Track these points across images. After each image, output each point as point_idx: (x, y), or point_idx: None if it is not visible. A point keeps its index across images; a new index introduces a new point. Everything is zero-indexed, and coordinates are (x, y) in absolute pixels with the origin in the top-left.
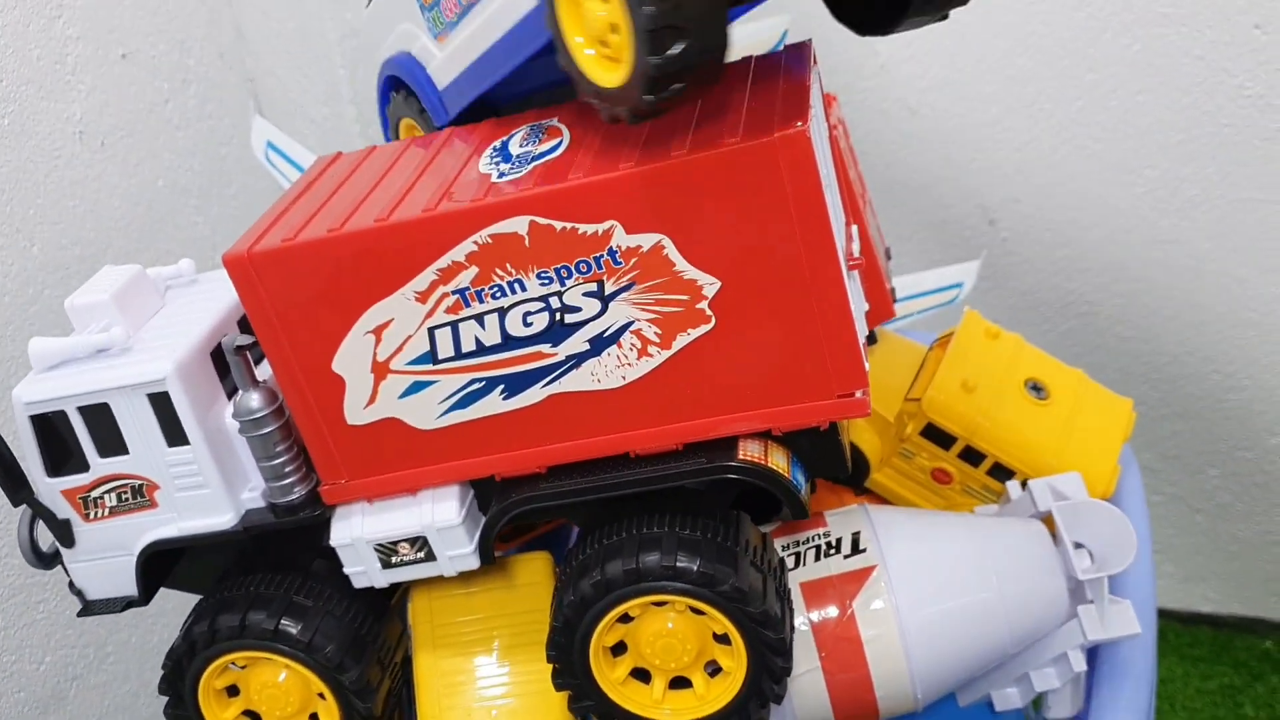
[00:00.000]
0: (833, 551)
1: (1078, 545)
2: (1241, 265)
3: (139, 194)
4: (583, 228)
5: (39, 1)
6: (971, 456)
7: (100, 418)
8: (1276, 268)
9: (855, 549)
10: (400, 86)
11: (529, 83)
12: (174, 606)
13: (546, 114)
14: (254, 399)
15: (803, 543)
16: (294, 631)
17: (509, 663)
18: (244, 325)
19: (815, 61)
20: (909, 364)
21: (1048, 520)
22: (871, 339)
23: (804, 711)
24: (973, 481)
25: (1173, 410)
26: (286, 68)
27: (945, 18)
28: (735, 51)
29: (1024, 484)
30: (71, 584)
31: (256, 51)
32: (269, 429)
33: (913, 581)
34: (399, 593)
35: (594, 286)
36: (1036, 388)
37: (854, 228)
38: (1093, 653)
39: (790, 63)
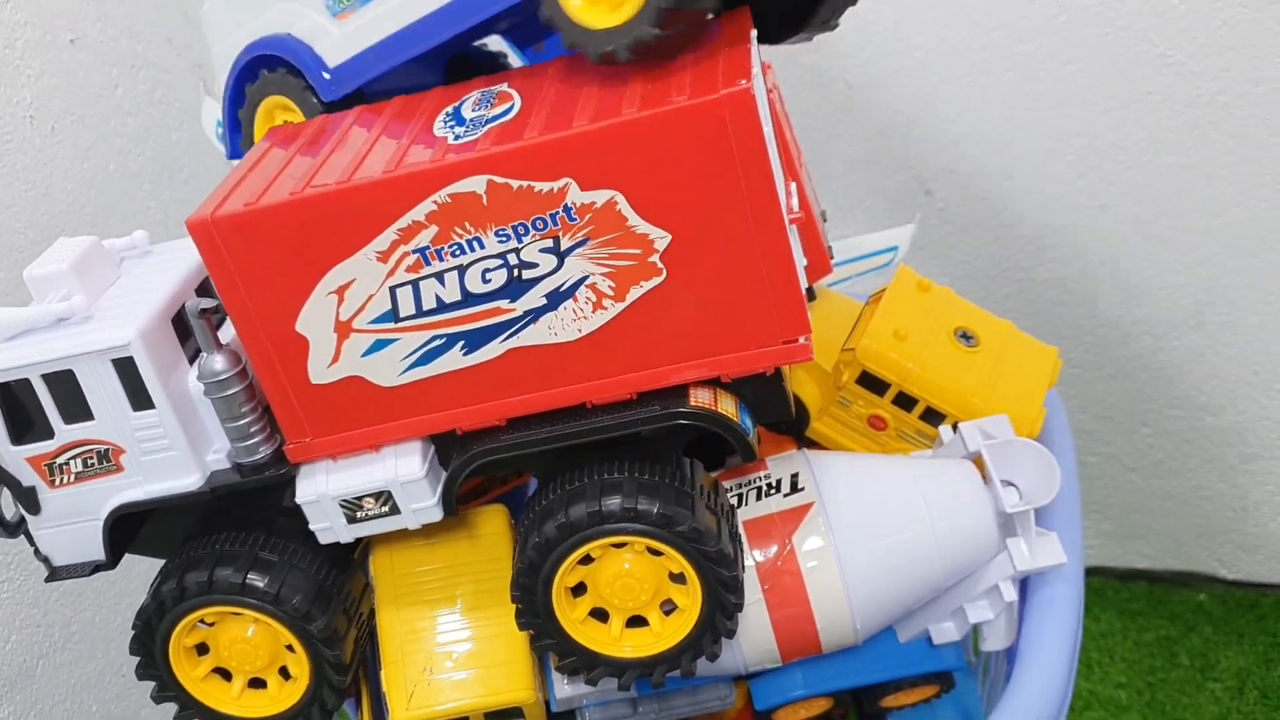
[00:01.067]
0: (773, 491)
1: (1006, 482)
2: (1168, 229)
3: (90, 178)
4: (539, 185)
5: None
6: (904, 402)
7: (64, 384)
8: (1200, 230)
9: (794, 488)
10: (277, 66)
11: (409, 80)
12: (138, 587)
13: (495, 80)
14: (218, 361)
15: (745, 485)
16: (261, 584)
17: (468, 610)
18: (203, 290)
19: (753, 27)
20: (847, 319)
21: (978, 461)
22: (810, 295)
23: (749, 645)
24: (907, 427)
25: (1106, 372)
26: None
27: (835, 27)
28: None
29: (955, 427)
30: (37, 551)
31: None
32: (233, 390)
33: (849, 517)
34: (361, 547)
35: (550, 243)
36: (966, 336)
37: (793, 185)
38: (1024, 588)
39: (730, 29)
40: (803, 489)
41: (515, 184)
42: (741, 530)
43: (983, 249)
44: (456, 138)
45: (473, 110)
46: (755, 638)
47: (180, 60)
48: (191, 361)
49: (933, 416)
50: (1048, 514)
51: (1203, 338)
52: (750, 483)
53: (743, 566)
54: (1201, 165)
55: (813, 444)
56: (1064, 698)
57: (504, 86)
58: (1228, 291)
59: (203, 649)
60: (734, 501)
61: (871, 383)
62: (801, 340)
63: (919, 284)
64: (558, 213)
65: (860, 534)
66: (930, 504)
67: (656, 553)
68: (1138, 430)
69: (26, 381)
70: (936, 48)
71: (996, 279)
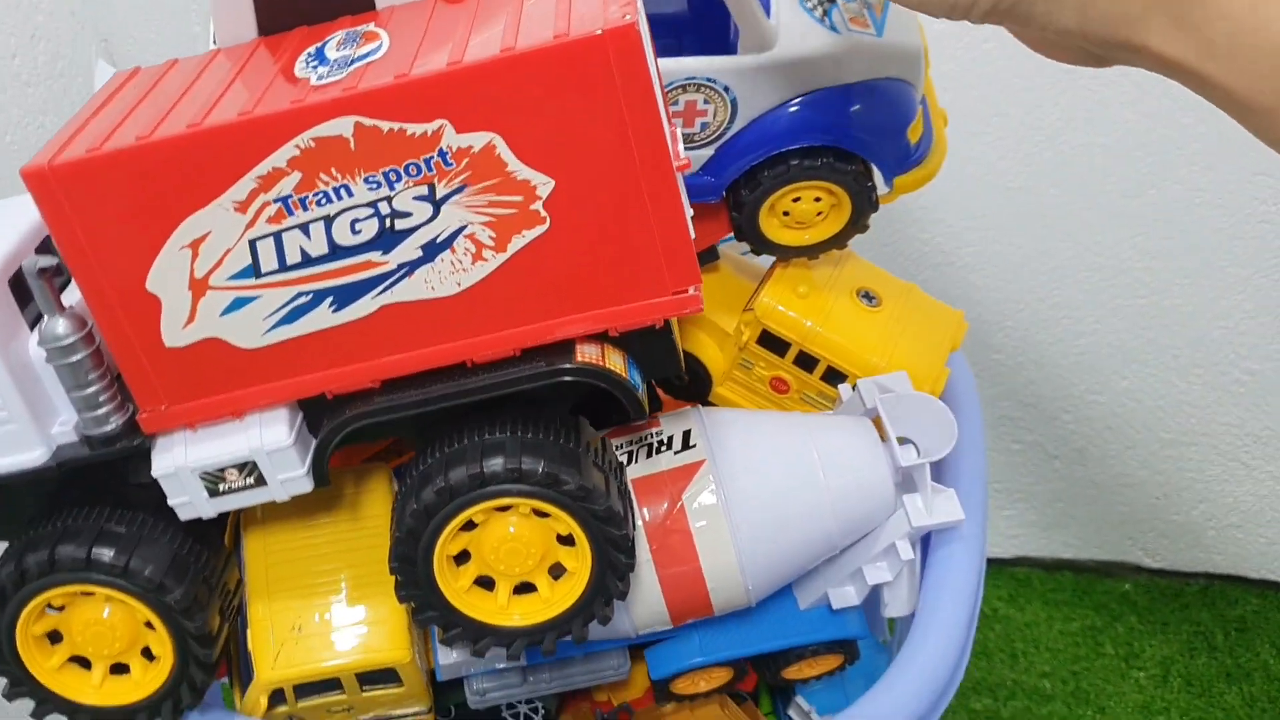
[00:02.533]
0: (664, 448)
1: (904, 440)
2: (1085, 210)
3: None
4: (411, 128)
5: None
6: (805, 362)
7: None
8: (1118, 212)
9: (686, 445)
10: None
11: None
12: None
13: (361, 20)
14: (60, 325)
15: (636, 442)
16: (108, 558)
17: (343, 568)
18: (44, 248)
19: None
20: (750, 281)
21: (876, 421)
22: (713, 254)
23: (639, 607)
24: (809, 389)
25: (1028, 358)
26: (141, 26)
27: None
28: None
29: (854, 386)
30: None
31: (111, 8)
32: (78, 356)
33: (740, 475)
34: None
35: (425, 190)
36: (868, 296)
37: (676, 129)
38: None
39: None
40: (694, 446)
41: (385, 126)
42: (631, 489)
43: (903, 231)
44: (320, 78)
45: (337, 50)
46: (645, 599)
47: (85, 32)
48: (32, 327)
49: (835, 378)
50: (952, 475)
51: (1121, 321)
52: (641, 440)
53: (633, 525)
54: (1116, 146)
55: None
56: (959, 659)
57: (370, 26)
58: (1144, 275)
59: (56, 638)
60: (624, 459)
61: (772, 343)
62: (691, 291)
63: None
64: (432, 157)
65: (752, 491)
66: (824, 460)
67: (543, 514)
68: (1059, 417)
69: None
70: None
71: (917, 262)
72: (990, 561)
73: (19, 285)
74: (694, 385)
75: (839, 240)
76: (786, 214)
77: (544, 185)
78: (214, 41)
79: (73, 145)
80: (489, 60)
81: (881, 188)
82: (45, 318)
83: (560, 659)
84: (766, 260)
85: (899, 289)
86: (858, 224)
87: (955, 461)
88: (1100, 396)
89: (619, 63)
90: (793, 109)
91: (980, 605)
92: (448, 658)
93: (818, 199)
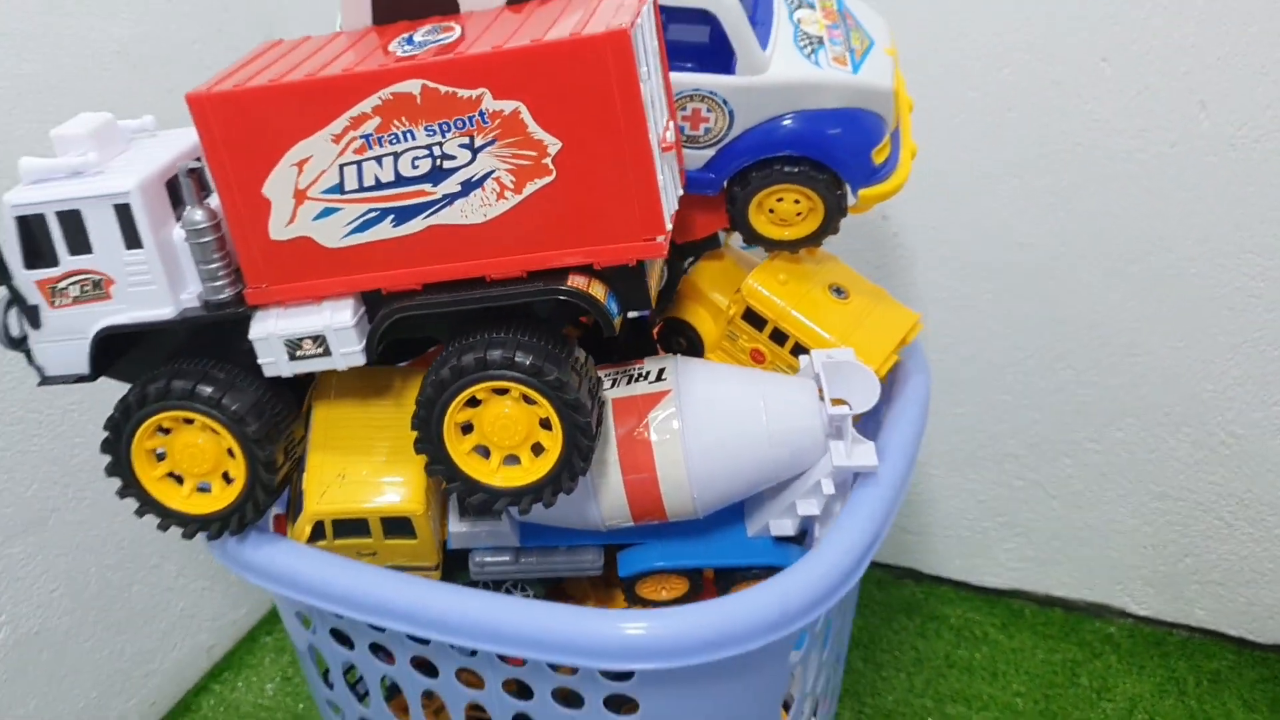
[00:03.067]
0: (641, 379)
1: (838, 401)
2: (1088, 273)
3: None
4: (461, 92)
5: None
6: (778, 337)
7: (72, 222)
8: (1114, 271)
9: (658, 378)
10: None
11: None
12: None
13: (447, 18)
14: (198, 214)
15: (620, 373)
16: (207, 392)
17: (383, 441)
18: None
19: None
20: (746, 270)
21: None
22: (715, 242)
23: (606, 503)
24: (780, 360)
25: (1032, 402)
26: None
27: None
28: None
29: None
30: (32, 361)
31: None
32: (208, 239)
33: (698, 406)
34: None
35: (467, 140)
36: (838, 290)
37: (673, 121)
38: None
39: None
40: (665, 379)
41: (443, 89)
42: (610, 405)
43: (924, 275)
44: (405, 53)
45: (422, 36)
46: (611, 496)
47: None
48: (178, 221)
49: (800, 351)
50: (884, 440)
51: (1115, 377)
52: (625, 372)
53: (599, 419)
54: (1121, 215)
55: None
56: (846, 576)
57: (450, 22)
58: (1139, 336)
59: (160, 457)
60: (609, 384)
61: (754, 319)
62: (659, 239)
63: (812, 250)
64: (474, 116)
65: (705, 420)
66: (768, 404)
67: (531, 402)
68: (1059, 460)
69: (41, 217)
70: None
71: (934, 305)
72: (987, 590)
73: (174, 188)
74: (690, 350)
75: (815, 238)
76: (772, 211)
77: (554, 145)
78: (339, 27)
79: (223, 82)
80: (520, 48)
81: (851, 198)
82: (188, 208)
83: (547, 546)
84: (764, 256)
85: (868, 289)
86: (830, 226)
87: (890, 429)
88: (1097, 444)
89: (614, 57)
90: (779, 124)
91: (883, 535)
92: (458, 529)
93: (797, 201)
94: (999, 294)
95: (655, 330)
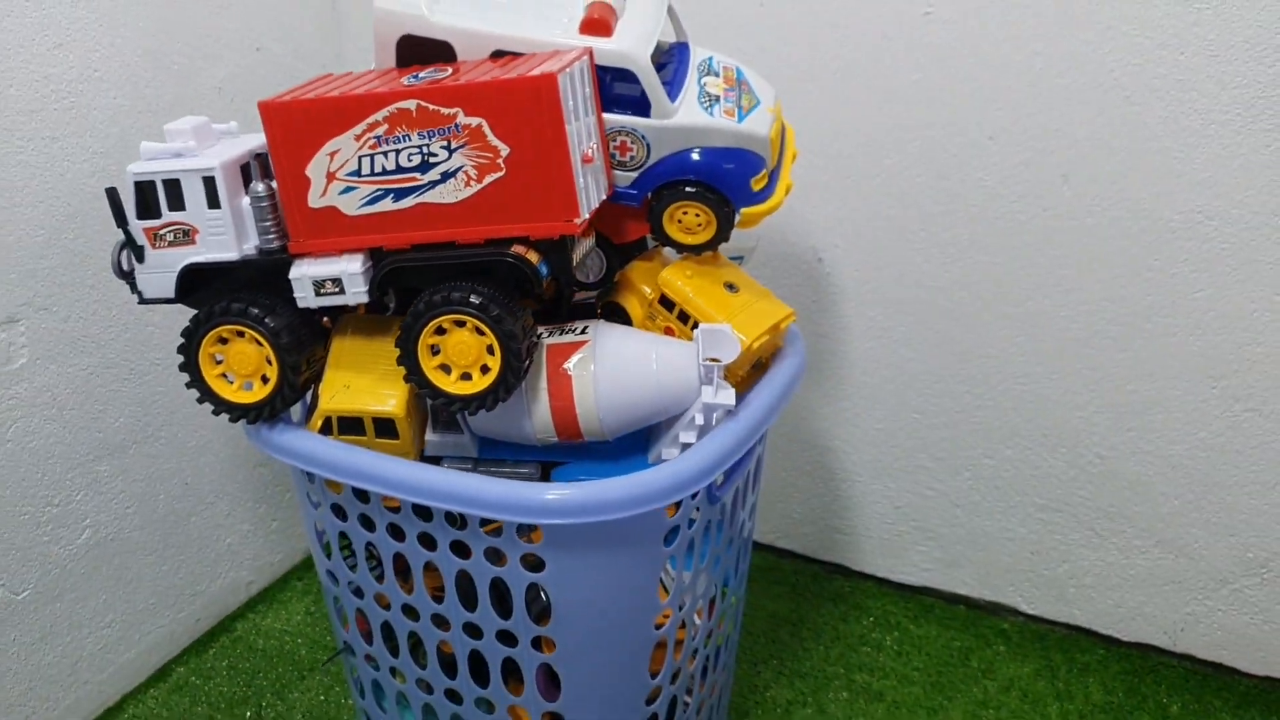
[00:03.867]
0: (570, 332)
1: (712, 360)
2: (984, 310)
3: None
4: (444, 110)
5: None
6: (683, 318)
7: (173, 187)
8: (1003, 312)
9: (582, 333)
10: None
11: None
12: (216, 427)
13: (447, 65)
14: (261, 187)
15: (557, 328)
16: (255, 312)
17: (381, 365)
18: (260, 160)
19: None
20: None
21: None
22: (644, 245)
23: (537, 422)
24: (684, 336)
25: (940, 420)
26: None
27: None
28: None
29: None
30: (134, 287)
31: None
32: (265, 205)
33: (607, 354)
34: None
35: (446, 143)
36: (731, 286)
37: (597, 144)
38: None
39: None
40: (586, 334)
41: (431, 107)
42: (546, 349)
43: (852, 309)
44: (409, 83)
45: (425, 74)
46: (541, 416)
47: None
48: (246, 192)
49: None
50: (750, 394)
51: (1007, 400)
52: (560, 328)
53: (531, 349)
54: (1006, 264)
55: None
56: (698, 476)
57: (448, 67)
58: (1024, 366)
59: (218, 361)
60: (547, 334)
61: (667, 303)
62: (576, 221)
63: (715, 255)
64: (451, 127)
65: (611, 364)
66: (659, 356)
67: (481, 333)
68: (961, 473)
69: (152, 183)
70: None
71: (860, 335)
72: (904, 587)
73: (245, 172)
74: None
75: (712, 244)
76: (680, 221)
77: (505, 150)
78: (375, 65)
79: (284, 96)
80: (483, 82)
81: (737, 215)
82: (253, 182)
83: (498, 459)
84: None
85: (756, 288)
86: (722, 235)
87: (758, 390)
88: (991, 460)
89: (544, 94)
90: (685, 156)
91: (736, 454)
92: (431, 438)
93: (697, 215)
94: (912, 326)
95: (597, 310)
